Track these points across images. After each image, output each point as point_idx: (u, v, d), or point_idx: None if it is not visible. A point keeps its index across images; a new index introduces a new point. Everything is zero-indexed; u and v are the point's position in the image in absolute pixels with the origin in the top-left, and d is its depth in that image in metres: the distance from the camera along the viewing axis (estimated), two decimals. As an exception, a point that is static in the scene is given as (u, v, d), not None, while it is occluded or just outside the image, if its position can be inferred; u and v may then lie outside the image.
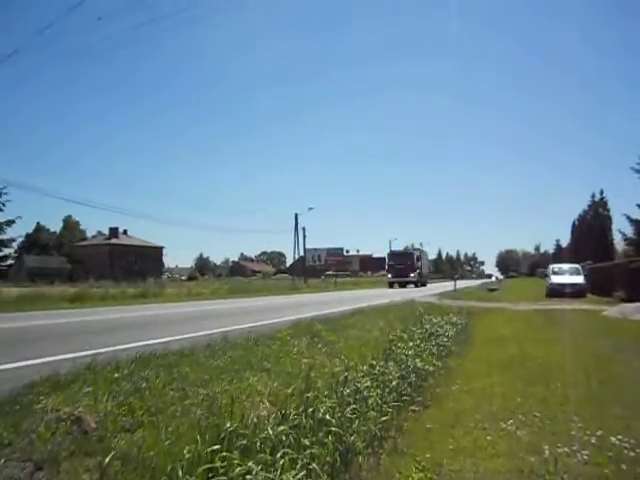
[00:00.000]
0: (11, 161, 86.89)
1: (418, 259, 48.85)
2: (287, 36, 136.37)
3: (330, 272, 72.35)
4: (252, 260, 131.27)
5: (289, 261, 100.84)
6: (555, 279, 24.60)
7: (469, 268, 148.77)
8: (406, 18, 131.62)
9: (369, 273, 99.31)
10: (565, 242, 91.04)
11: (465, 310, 13.41)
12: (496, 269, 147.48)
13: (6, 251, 20.70)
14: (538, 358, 6.38)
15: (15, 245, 23.42)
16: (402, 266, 46.63)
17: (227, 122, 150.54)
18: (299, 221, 56.61)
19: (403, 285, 45.46)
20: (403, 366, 5.10)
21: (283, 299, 23.64)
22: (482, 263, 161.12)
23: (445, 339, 7.62)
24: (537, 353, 6.75)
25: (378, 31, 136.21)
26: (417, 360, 5.46)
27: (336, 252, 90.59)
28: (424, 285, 48.79)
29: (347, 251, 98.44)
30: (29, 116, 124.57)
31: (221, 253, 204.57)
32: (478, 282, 61.41)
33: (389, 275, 49.09)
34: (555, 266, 27.46)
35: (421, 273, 49.55)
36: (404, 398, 4.23)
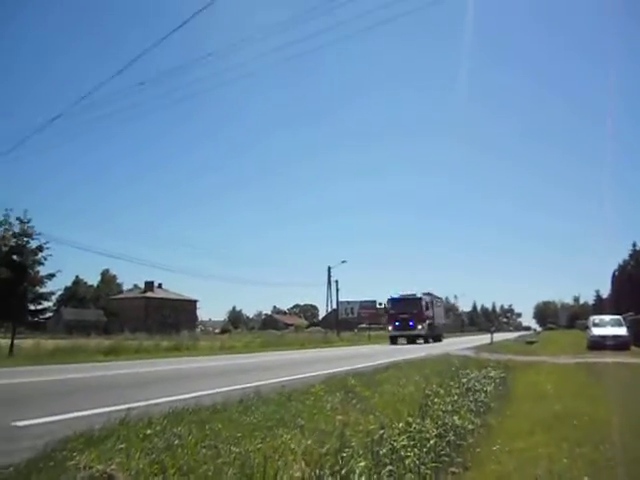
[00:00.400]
0: (53, 218, 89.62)
1: (427, 306, 38.38)
2: (299, 77, 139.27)
3: (363, 325, 71.51)
4: (285, 313, 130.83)
5: (322, 314, 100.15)
6: (596, 331, 23.74)
7: (505, 320, 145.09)
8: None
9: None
10: (605, 293, 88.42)
11: (503, 364, 12.98)
12: (534, 321, 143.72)
13: (46, 304, 21.07)
14: (584, 416, 6.06)
15: (54, 298, 23.86)
16: (406, 315, 36.72)
17: (244, 167, 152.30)
18: (331, 274, 56.59)
19: (411, 340, 36.29)
20: (440, 423, 4.92)
21: (316, 352, 23.39)
22: (519, 315, 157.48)
23: (483, 394, 7.35)
24: (582, 410, 6.42)
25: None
26: (455, 417, 5.26)
27: (369, 304, 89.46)
28: (438, 340, 39.59)
29: (380, 303, 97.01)
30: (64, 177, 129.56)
31: (254, 306, 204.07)
32: (515, 334, 59.73)
33: (389, 327, 38.93)
34: (596, 318, 26.56)
35: (433, 324, 39.41)
36: (443, 459, 4.05)
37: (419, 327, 36.61)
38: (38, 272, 19.72)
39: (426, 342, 36.30)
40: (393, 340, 37.20)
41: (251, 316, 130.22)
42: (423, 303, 37.85)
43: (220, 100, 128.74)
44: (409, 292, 39.11)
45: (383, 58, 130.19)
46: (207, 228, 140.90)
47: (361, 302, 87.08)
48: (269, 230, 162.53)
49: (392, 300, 39.93)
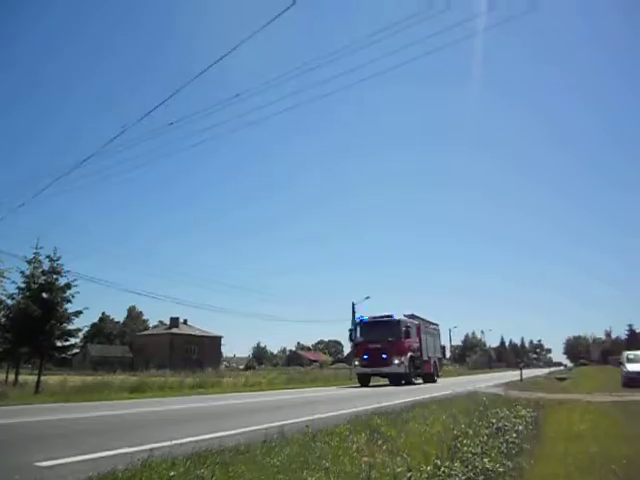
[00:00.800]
0: (81, 256, 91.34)
1: (409, 333, 26.80)
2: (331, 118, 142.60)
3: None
4: (309, 349, 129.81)
5: (346, 350, 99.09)
6: (631, 367, 22.91)
7: (535, 356, 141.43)
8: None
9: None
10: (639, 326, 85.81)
11: (534, 402, 12.58)
12: (564, 357, 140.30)
13: (72, 340, 21.29)
14: (622, 459, 5.77)
15: (81, 334, 24.15)
16: (378, 345, 25.67)
17: (269, 208, 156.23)
18: (356, 310, 55.94)
19: (395, 381, 25.62)
20: (470, 467, 4.75)
21: (341, 390, 23.02)
22: (549, 350, 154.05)
23: (514, 435, 7.09)
24: (620, 452, 6.11)
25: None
26: (485, 459, 5.08)
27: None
28: (430, 380, 29.63)
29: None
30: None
31: (278, 342, 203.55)
32: (546, 371, 58.20)
33: (355, 362, 27.77)
34: (630, 353, 25.67)
35: (419, 358, 28.09)
36: (473, 504, 3.89)
37: (395, 362, 25.15)
38: (66, 309, 20.02)
39: (408, 383, 25.59)
40: (362, 380, 26.80)
41: (275, 352, 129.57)
42: (402, 328, 26.21)
43: (249, 138, 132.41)
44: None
45: (389, 108, 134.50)
46: (232, 265, 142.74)
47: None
48: (293, 267, 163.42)
49: (359, 324, 28.30)
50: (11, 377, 21.32)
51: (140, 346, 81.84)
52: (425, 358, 29.31)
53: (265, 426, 7.62)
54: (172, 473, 4.14)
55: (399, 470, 4.25)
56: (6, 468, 4.95)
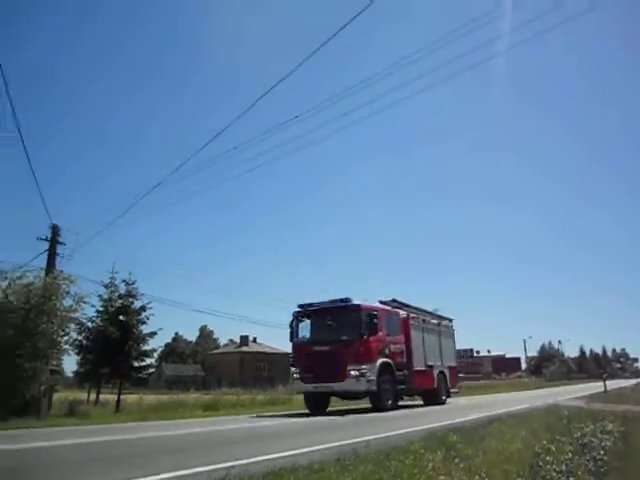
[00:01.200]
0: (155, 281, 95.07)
1: (376, 325, 16.35)
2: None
3: (460, 375, 68.61)
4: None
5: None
6: None
7: (619, 366, 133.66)
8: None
9: (503, 375, 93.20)
10: None
11: (621, 415, 11.83)
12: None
13: (148, 361, 22.11)
14: None
15: (156, 355, 25.04)
16: (325, 348, 16.34)
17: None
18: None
19: (378, 404, 16.58)
20: (556, 487, 4.50)
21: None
22: (635, 360, 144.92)
23: (602, 452, 6.68)
24: None
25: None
26: (571, 479, 4.81)
27: (465, 353, 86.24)
28: (433, 400, 20.33)
29: (477, 352, 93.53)
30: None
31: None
32: (632, 381, 54.76)
33: (295, 375, 17.45)
34: None
35: (408, 368, 18.33)
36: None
37: (352, 374, 15.72)
38: (141, 331, 20.82)
39: (381, 408, 16.45)
40: (311, 402, 17.66)
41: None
42: (364, 319, 16.27)
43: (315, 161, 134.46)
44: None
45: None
46: (297, 284, 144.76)
47: (457, 351, 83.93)
48: (350, 283, 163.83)
49: (303, 314, 17.81)
50: (92, 396, 22.35)
51: (211, 365, 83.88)
52: (420, 367, 19.38)
53: (338, 444, 7.57)
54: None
55: (479, 490, 4.08)
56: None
